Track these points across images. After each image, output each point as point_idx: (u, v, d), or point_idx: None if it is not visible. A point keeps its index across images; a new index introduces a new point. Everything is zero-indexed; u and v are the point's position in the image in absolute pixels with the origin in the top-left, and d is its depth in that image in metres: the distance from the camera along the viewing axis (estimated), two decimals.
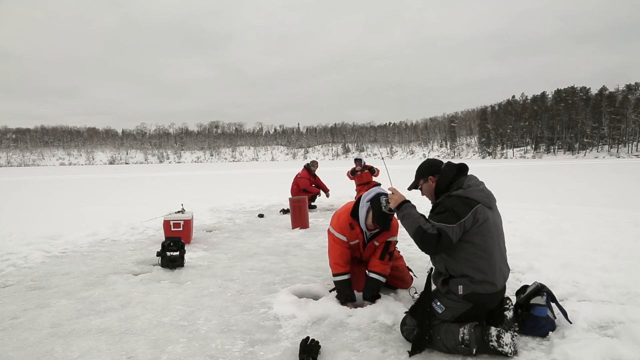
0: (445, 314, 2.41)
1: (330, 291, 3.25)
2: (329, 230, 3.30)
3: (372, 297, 3.10)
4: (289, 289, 3.37)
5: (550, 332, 2.47)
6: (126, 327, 2.76)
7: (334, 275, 3.13)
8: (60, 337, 2.62)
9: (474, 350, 2.26)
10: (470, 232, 2.35)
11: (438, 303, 2.44)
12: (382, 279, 3.13)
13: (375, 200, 2.96)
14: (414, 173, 2.70)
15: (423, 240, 2.36)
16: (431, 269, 2.61)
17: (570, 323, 2.54)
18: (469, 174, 2.58)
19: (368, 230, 3.12)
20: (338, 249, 3.17)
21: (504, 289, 2.47)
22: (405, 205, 2.55)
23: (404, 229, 2.57)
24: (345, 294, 3.07)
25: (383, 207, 2.86)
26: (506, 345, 2.23)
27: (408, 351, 2.35)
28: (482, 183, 2.53)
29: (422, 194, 2.70)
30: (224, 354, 2.38)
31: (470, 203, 2.37)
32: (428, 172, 2.65)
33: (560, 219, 6.33)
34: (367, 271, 3.18)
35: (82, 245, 5.36)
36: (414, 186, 2.74)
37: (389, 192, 2.72)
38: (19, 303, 3.23)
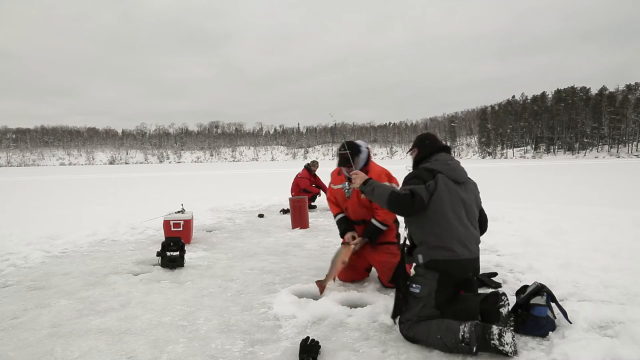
0: (424, 291, 2.50)
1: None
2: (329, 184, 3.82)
3: (372, 238, 3.39)
4: (289, 289, 3.37)
5: (550, 332, 2.47)
6: (126, 327, 2.76)
7: (334, 216, 3.69)
8: (60, 337, 2.61)
9: (475, 349, 2.25)
10: (431, 199, 2.53)
11: (413, 285, 2.56)
12: (382, 227, 3.38)
13: (340, 147, 3.40)
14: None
15: (398, 201, 2.53)
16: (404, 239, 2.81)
17: (570, 323, 2.54)
18: (446, 153, 2.80)
19: (348, 174, 3.41)
20: (331, 197, 3.71)
21: (470, 261, 2.56)
22: (370, 181, 2.76)
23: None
24: (342, 228, 3.57)
25: (346, 191, 2.96)
26: (507, 344, 2.22)
27: (393, 319, 2.57)
28: (452, 159, 2.75)
29: None
30: (224, 354, 2.38)
31: (432, 172, 2.62)
32: (414, 144, 2.94)
33: (560, 219, 6.34)
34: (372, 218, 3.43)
35: (82, 245, 5.36)
36: (409, 152, 3.02)
37: (352, 173, 2.92)
38: (19, 303, 3.23)
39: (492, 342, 2.22)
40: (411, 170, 2.81)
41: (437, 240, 2.52)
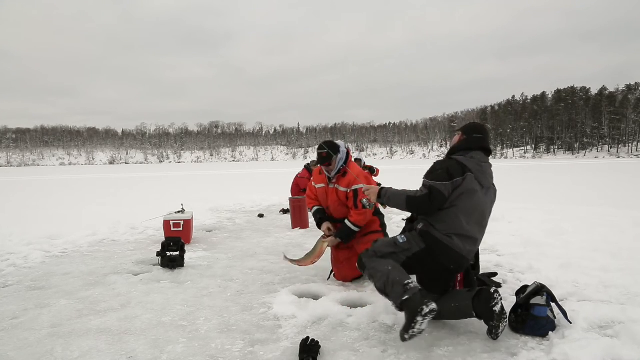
0: (404, 244, 2.56)
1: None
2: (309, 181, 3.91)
3: (344, 238, 3.52)
4: (289, 289, 3.38)
5: (550, 332, 2.47)
6: (126, 327, 2.76)
7: (310, 209, 3.83)
8: (60, 337, 2.61)
9: (397, 309, 2.39)
10: (454, 195, 2.49)
11: (402, 236, 2.62)
12: (355, 229, 3.47)
13: (319, 146, 3.50)
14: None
15: (416, 203, 2.52)
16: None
17: (570, 323, 2.54)
18: (484, 154, 2.69)
19: (328, 174, 3.57)
20: (310, 194, 3.82)
21: (460, 257, 2.53)
22: (383, 191, 2.71)
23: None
24: (317, 219, 3.73)
25: (367, 205, 2.97)
26: (417, 330, 2.22)
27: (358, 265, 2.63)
28: (487, 161, 2.67)
29: None
30: (224, 354, 2.38)
31: (463, 169, 2.53)
32: (463, 129, 2.79)
33: (560, 219, 6.34)
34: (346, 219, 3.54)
35: (82, 245, 5.35)
36: (455, 130, 2.92)
37: (364, 189, 2.87)
38: (19, 303, 3.23)
39: (415, 317, 2.23)
40: (442, 158, 2.72)
41: (441, 224, 2.52)
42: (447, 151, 2.79)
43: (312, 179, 3.83)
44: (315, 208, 3.78)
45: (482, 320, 2.44)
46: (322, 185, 3.66)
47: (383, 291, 2.46)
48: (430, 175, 2.56)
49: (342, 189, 3.50)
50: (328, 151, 3.43)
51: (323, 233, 3.67)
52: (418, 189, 2.58)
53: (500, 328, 2.41)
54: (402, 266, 2.51)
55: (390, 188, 2.73)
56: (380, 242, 2.69)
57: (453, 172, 2.50)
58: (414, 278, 2.53)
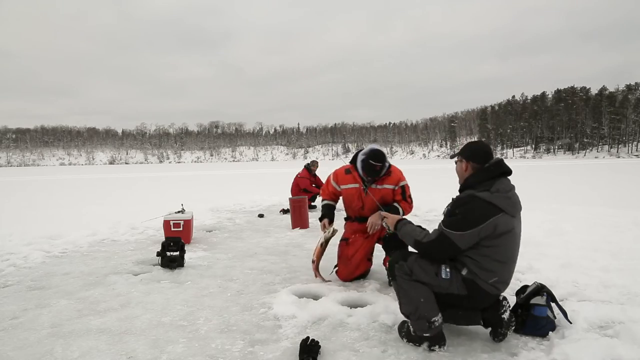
0: (445, 283, 2.31)
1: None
2: (328, 176, 3.91)
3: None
4: (289, 289, 3.37)
5: (550, 332, 2.47)
6: (126, 327, 2.76)
7: (322, 201, 3.93)
8: (60, 337, 2.61)
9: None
10: (488, 239, 2.23)
11: (447, 269, 2.31)
12: (402, 211, 3.57)
13: (367, 152, 3.46)
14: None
15: (423, 249, 2.38)
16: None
17: (570, 323, 2.54)
18: (507, 180, 2.36)
19: (365, 177, 3.59)
20: (327, 189, 3.88)
21: (498, 296, 2.42)
22: (400, 225, 2.60)
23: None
24: (323, 212, 3.84)
25: (387, 229, 2.92)
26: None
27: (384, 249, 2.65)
28: (512, 188, 2.33)
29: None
30: (224, 354, 2.38)
31: (491, 210, 2.19)
32: (468, 156, 2.42)
33: (560, 219, 6.33)
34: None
35: (82, 245, 5.35)
36: (452, 157, 2.62)
37: (384, 215, 2.85)
38: (19, 303, 3.23)
39: (423, 346, 2.36)
40: (464, 195, 2.31)
41: (487, 274, 2.27)
42: (459, 185, 2.45)
43: (332, 178, 3.81)
44: (326, 202, 3.88)
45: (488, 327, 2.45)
46: (355, 185, 3.65)
47: (407, 316, 2.42)
48: (447, 219, 2.28)
49: (389, 186, 3.61)
50: (382, 165, 3.48)
51: (327, 233, 3.70)
52: (432, 231, 2.36)
53: (507, 333, 2.43)
54: (435, 296, 2.36)
55: (407, 223, 2.57)
56: (424, 264, 2.37)
57: (476, 219, 2.19)
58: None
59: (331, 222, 3.80)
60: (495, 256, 2.27)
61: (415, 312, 2.34)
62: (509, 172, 2.36)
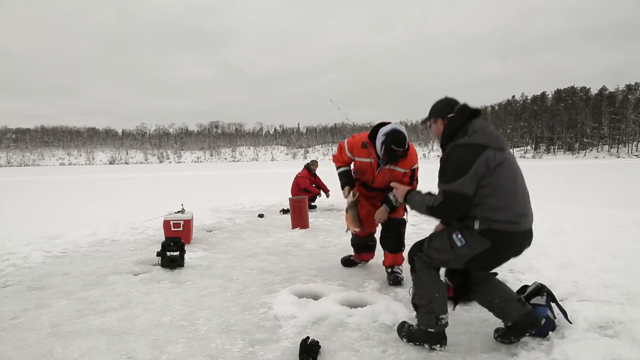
0: (464, 249, 2.23)
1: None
2: (341, 142, 3.82)
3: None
4: (289, 289, 3.37)
5: (550, 332, 2.47)
6: (126, 327, 2.76)
7: (337, 168, 3.83)
8: (60, 337, 2.61)
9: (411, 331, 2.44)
10: (485, 177, 2.16)
11: (459, 236, 2.25)
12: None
13: (389, 134, 3.28)
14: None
15: (436, 213, 2.30)
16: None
17: (570, 323, 2.54)
18: (482, 119, 2.34)
19: (382, 158, 3.47)
20: (341, 157, 3.79)
21: (528, 233, 2.26)
22: (409, 196, 2.51)
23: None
24: (342, 181, 3.76)
25: (394, 203, 2.93)
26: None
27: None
28: (488, 125, 2.31)
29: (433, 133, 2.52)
30: (224, 354, 2.38)
31: (476, 149, 2.17)
32: (437, 113, 2.43)
33: (560, 219, 6.33)
34: None
35: (82, 245, 5.35)
36: (423, 123, 2.60)
37: (393, 188, 2.77)
38: (19, 303, 3.23)
39: (423, 344, 2.37)
40: (444, 153, 2.31)
41: (501, 213, 2.17)
42: (440, 145, 2.45)
43: (347, 148, 3.69)
44: (342, 169, 3.80)
45: (503, 324, 2.44)
46: (369, 160, 3.60)
47: (416, 308, 2.43)
48: (441, 177, 2.26)
49: (400, 170, 3.52)
50: (404, 149, 3.34)
51: (350, 199, 3.64)
52: (434, 196, 2.31)
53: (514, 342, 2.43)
54: (465, 264, 2.30)
55: (416, 192, 2.49)
56: (436, 243, 2.36)
57: (466, 162, 2.16)
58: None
59: (352, 188, 3.71)
60: (499, 189, 2.18)
61: (427, 305, 2.35)
62: (478, 112, 2.35)
